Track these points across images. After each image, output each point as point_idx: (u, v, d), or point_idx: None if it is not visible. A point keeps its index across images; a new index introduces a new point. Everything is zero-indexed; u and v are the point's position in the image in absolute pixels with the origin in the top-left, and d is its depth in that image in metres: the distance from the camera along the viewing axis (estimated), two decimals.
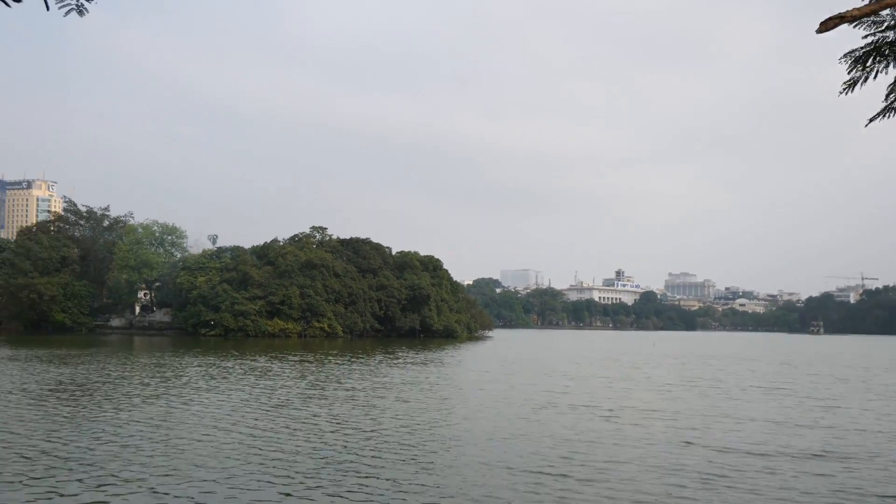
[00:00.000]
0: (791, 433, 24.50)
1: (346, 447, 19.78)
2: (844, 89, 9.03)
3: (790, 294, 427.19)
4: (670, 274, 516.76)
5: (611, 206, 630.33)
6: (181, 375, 40.55)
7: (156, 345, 79.35)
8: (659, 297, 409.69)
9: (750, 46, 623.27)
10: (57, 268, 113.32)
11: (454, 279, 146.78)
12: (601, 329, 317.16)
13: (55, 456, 17.79)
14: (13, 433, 20.81)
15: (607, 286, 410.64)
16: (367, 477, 16.38)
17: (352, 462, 17.88)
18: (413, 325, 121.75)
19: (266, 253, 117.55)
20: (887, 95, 8.98)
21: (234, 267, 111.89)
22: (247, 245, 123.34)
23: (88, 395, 30.78)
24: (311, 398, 30.92)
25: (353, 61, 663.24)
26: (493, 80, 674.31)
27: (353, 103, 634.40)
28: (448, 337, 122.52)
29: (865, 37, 8.58)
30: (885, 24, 8.41)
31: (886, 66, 8.69)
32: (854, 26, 8.26)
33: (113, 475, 15.92)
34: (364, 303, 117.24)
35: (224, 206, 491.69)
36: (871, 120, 9.29)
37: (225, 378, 39.47)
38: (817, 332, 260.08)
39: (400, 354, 67.25)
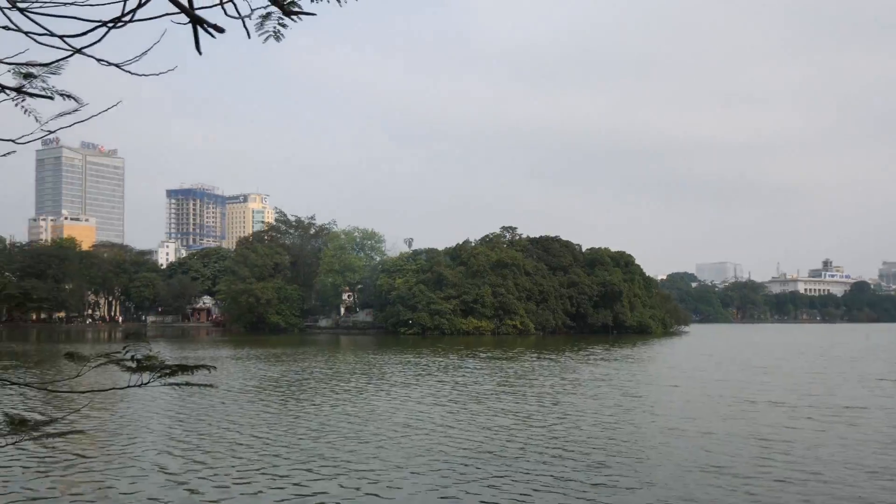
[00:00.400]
0: None
1: (533, 444, 19.84)
2: None
3: None
4: (885, 262, 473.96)
5: (812, 194, 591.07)
6: (382, 372, 42.45)
7: (359, 343, 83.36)
8: (872, 287, 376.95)
9: None
10: (271, 273, 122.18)
11: (647, 274, 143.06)
12: (807, 322, 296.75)
13: (267, 442, 19.19)
14: (235, 423, 22.71)
15: (813, 277, 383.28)
16: (555, 478, 16.32)
17: (540, 460, 17.89)
18: (605, 322, 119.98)
19: (459, 254, 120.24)
20: None
21: (430, 268, 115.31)
22: (440, 247, 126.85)
23: (300, 390, 32.91)
24: (501, 395, 31.30)
25: (532, 63, 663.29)
26: (676, 69, 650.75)
27: (534, 104, 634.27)
28: (642, 333, 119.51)
29: None
30: None
31: None
32: None
33: (317, 456, 16.92)
34: (555, 300, 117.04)
35: (418, 210, 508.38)
36: None
37: (421, 375, 40.87)
38: None
39: (591, 351, 66.47)
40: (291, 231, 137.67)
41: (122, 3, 3.30)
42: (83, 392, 9.25)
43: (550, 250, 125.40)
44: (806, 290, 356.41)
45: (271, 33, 3.65)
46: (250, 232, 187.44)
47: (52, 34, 3.61)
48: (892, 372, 45.48)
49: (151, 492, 14.34)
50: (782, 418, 24.77)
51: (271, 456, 17.72)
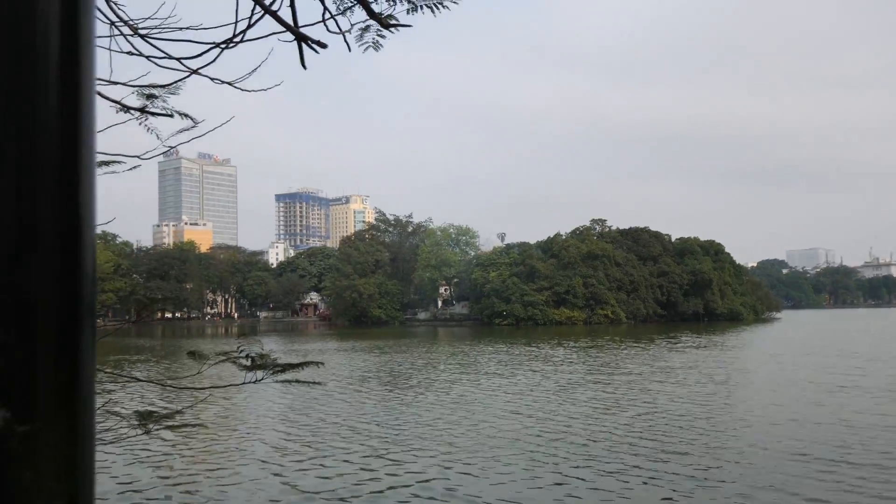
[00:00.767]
0: None
1: (624, 431, 19.49)
2: None
3: None
4: None
5: None
6: (477, 362, 42.58)
7: (456, 335, 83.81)
8: None
9: None
10: (372, 270, 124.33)
11: (737, 262, 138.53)
12: None
13: (371, 426, 19.51)
14: (343, 410, 23.20)
15: None
16: (647, 461, 15.99)
17: (631, 445, 17.57)
18: (696, 310, 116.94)
19: (550, 247, 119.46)
20: None
21: (522, 261, 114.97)
22: (532, 240, 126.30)
23: (402, 379, 33.34)
24: (591, 383, 30.88)
25: (621, 59, 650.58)
26: (765, 57, 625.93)
27: (622, 99, 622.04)
28: (733, 320, 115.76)
29: None
30: None
31: None
32: None
33: (414, 437, 17.10)
34: (646, 289, 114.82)
35: (510, 205, 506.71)
36: None
37: (515, 364, 40.76)
38: None
39: (682, 339, 64.82)
40: (390, 229, 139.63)
41: (234, 24, 3.37)
42: (203, 388, 9.59)
43: (640, 241, 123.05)
44: None
45: (370, 44, 3.67)
46: (352, 231, 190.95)
47: (171, 57, 3.72)
48: None
49: (265, 479, 14.78)
50: (869, 404, 23.53)
51: (380, 440, 17.99)
